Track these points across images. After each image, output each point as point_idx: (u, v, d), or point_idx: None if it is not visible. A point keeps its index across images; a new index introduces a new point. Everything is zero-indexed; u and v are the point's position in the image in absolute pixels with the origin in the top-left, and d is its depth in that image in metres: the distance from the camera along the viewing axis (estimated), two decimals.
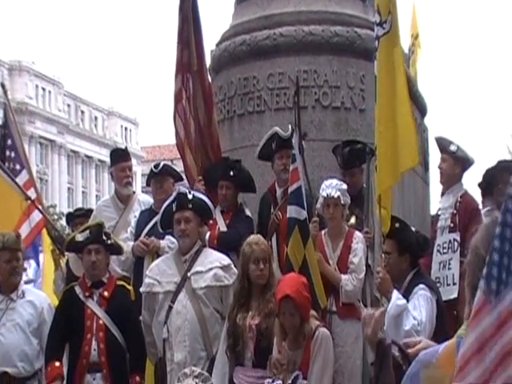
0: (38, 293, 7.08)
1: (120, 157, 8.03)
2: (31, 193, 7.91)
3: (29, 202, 7.70)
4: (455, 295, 6.53)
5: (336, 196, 6.27)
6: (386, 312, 5.22)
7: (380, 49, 5.94)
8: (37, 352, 6.59)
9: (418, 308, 5.35)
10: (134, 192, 8.08)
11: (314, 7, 8.30)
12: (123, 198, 7.90)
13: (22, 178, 8.06)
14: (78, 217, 8.61)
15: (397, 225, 5.68)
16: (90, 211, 8.49)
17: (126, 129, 75.56)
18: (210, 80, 8.11)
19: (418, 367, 2.14)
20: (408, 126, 5.88)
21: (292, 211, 6.10)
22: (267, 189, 7.16)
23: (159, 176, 7.44)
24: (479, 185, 7.22)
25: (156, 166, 7.49)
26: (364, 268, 6.25)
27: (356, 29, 8.07)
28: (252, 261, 5.70)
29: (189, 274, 6.17)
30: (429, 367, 2.11)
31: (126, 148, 8.69)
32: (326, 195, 6.32)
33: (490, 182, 6.98)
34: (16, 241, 6.62)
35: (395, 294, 5.37)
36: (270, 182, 7.22)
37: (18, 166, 8.18)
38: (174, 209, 6.30)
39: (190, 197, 6.33)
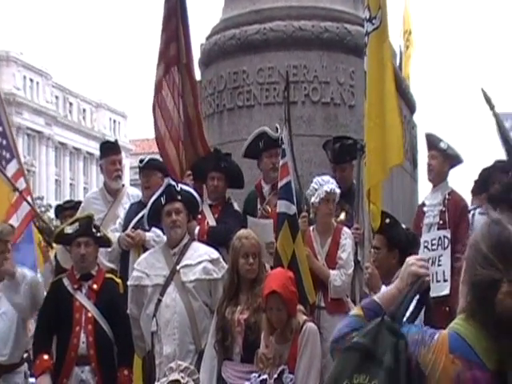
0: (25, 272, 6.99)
1: (110, 150, 8.01)
2: (20, 183, 7.89)
3: (17, 193, 7.68)
4: (447, 292, 6.55)
5: (338, 192, 6.32)
6: None
7: (370, 44, 5.96)
8: (25, 340, 6.65)
9: None
10: (123, 185, 8.08)
11: (304, 2, 8.33)
12: (112, 191, 7.88)
13: (12, 167, 8.01)
14: (67, 209, 8.59)
15: (387, 220, 5.69)
16: (79, 203, 8.47)
17: (114, 121, 75.31)
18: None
19: (417, 345, 2.29)
20: (395, 122, 5.90)
21: (282, 206, 6.12)
22: (254, 186, 7.17)
23: (146, 170, 7.42)
24: (475, 182, 7.27)
25: (141, 161, 7.48)
26: (352, 264, 6.28)
27: (346, 25, 8.10)
28: (241, 255, 5.71)
29: (178, 267, 6.17)
30: (425, 348, 2.28)
31: (117, 141, 8.67)
32: (329, 190, 6.33)
33: (486, 180, 7.04)
34: (11, 232, 6.67)
35: (383, 290, 5.38)
36: (258, 177, 7.23)
37: (8, 155, 8.13)
38: (162, 202, 6.29)
39: (178, 189, 6.34)
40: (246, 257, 5.71)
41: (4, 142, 8.18)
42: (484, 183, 7.09)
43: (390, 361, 2.23)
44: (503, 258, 2.23)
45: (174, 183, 6.44)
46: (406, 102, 9.55)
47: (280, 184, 6.21)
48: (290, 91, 7.13)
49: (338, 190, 6.35)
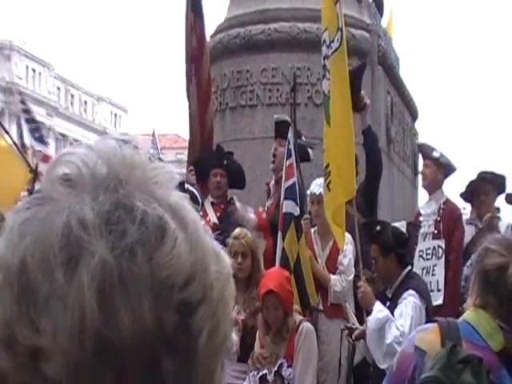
0: None
1: None
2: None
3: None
4: (440, 302, 6.57)
5: (318, 193, 6.28)
6: (367, 327, 5.29)
7: (331, 67, 5.95)
8: None
9: (404, 316, 5.32)
10: None
11: (309, 5, 8.34)
12: None
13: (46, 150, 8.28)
14: None
15: (378, 228, 5.66)
16: None
17: (115, 115, 75.27)
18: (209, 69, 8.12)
19: (414, 333, 2.74)
20: (349, 148, 5.87)
21: (288, 206, 6.13)
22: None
23: None
24: (461, 195, 7.31)
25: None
26: (353, 270, 6.26)
27: (350, 29, 8.11)
28: (232, 254, 5.76)
29: None
30: (423, 331, 2.73)
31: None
32: (309, 192, 6.37)
33: (472, 193, 7.10)
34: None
35: (376, 307, 5.39)
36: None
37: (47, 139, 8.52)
38: None
39: (186, 187, 6.38)
40: (234, 256, 5.75)
41: (34, 126, 8.47)
42: (471, 196, 7.18)
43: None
44: (507, 248, 2.57)
45: (182, 180, 6.48)
46: (409, 109, 9.60)
47: (286, 185, 6.22)
48: (296, 93, 7.15)
49: (317, 191, 6.32)
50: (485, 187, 6.99)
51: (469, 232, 6.88)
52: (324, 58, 6.08)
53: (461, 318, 2.65)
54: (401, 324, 5.27)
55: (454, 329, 2.57)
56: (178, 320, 0.75)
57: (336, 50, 5.90)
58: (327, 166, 5.95)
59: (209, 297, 0.79)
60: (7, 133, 8.17)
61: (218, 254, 0.83)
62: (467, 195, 7.23)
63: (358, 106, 6.35)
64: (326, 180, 5.98)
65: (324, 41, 6.07)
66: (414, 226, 6.55)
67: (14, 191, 7.52)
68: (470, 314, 2.61)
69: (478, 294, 2.60)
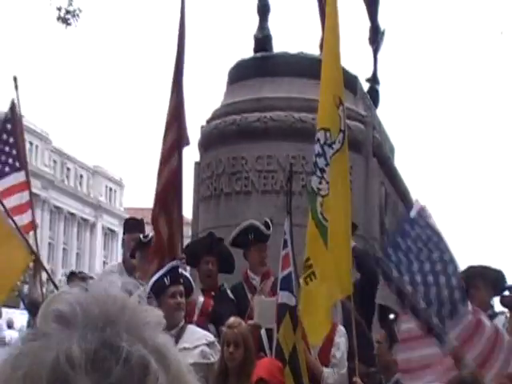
0: None
1: (135, 227, 8.04)
2: (27, 215, 7.85)
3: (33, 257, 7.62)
4: None
5: None
6: None
7: (331, 167, 6.02)
8: None
9: None
10: None
11: (305, 95, 8.45)
12: (131, 268, 7.84)
13: (18, 177, 7.89)
14: (80, 279, 8.54)
15: (391, 316, 5.68)
16: (91, 278, 8.45)
17: (110, 189, 75.57)
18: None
19: None
20: (345, 252, 5.92)
21: (284, 297, 6.11)
22: (242, 276, 7.17)
23: (148, 246, 7.41)
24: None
25: (146, 237, 7.47)
26: (346, 363, 6.22)
27: (346, 120, 8.19)
28: (225, 343, 5.73)
29: None
30: None
31: (142, 220, 8.65)
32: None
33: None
34: None
35: None
36: (244, 264, 7.23)
37: (17, 164, 8.08)
38: (167, 283, 6.28)
39: (180, 271, 6.37)
40: (227, 345, 5.72)
41: (14, 152, 8.09)
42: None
43: None
44: None
45: (178, 265, 6.46)
46: (403, 199, 9.65)
47: (281, 275, 6.20)
48: (292, 182, 7.19)
49: None
50: (473, 282, 6.88)
51: None
52: (316, 156, 6.14)
53: None
54: None
55: None
56: None
57: (337, 151, 6.00)
58: (307, 259, 5.98)
59: None
60: (9, 214, 7.95)
61: None
62: None
63: None
64: (304, 273, 5.99)
65: (318, 139, 6.13)
66: None
67: (11, 275, 7.42)
68: None
69: None
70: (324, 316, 5.89)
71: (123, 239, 8.20)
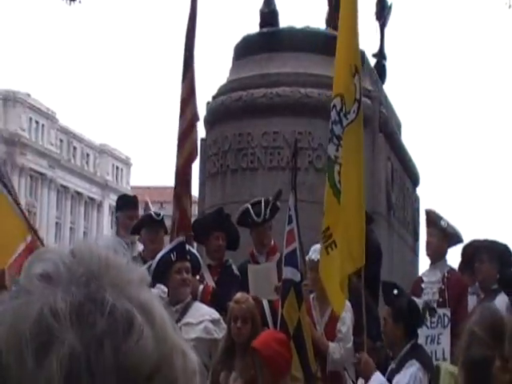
0: None
1: (129, 204, 8.02)
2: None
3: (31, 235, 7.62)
4: None
5: (316, 260, 6.27)
6: None
7: (345, 137, 5.98)
8: None
9: None
10: (138, 239, 8.05)
11: (311, 70, 8.41)
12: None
13: None
14: None
15: (395, 292, 5.66)
16: None
17: (117, 168, 75.59)
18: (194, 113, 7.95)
19: None
20: (358, 222, 5.92)
21: (288, 272, 6.10)
22: (249, 254, 7.19)
23: (157, 224, 7.40)
24: (458, 268, 7.21)
25: (158, 214, 7.44)
26: (352, 337, 6.22)
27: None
28: (232, 319, 5.72)
29: (179, 325, 6.14)
30: None
31: (136, 197, 8.65)
32: (307, 259, 6.34)
33: (468, 261, 7.01)
34: None
35: (376, 378, 5.33)
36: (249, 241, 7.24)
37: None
38: (173, 258, 6.28)
39: (187, 248, 6.38)
40: (235, 320, 5.71)
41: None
42: (466, 264, 7.06)
43: None
44: (493, 334, 2.45)
45: (184, 240, 6.47)
46: (409, 175, 9.60)
47: (286, 251, 6.19)
48: (297, 158, 7.18)
49: (315, 258, 6.31)
50: (478, 255, 6.88)
51: (471, 303, 6.80)
52: (332, 123, 6.10)
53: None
54: None
55: None
56: None
57: (352, 121, 5.95)
58: (327, 228, 5.97)
59: None
60: (9, 191, 7.95)
61: (185, 350, 0.87)
62: (463, 265, 7.14)
63: None
64: (324, 243, 6.00)
65: (334, 106, 6.08)
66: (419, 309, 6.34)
67: (8, 246, 7.43)
68: None
69: None
70: (343, 285, 5.90)
71: (116, 217, 8.17)
